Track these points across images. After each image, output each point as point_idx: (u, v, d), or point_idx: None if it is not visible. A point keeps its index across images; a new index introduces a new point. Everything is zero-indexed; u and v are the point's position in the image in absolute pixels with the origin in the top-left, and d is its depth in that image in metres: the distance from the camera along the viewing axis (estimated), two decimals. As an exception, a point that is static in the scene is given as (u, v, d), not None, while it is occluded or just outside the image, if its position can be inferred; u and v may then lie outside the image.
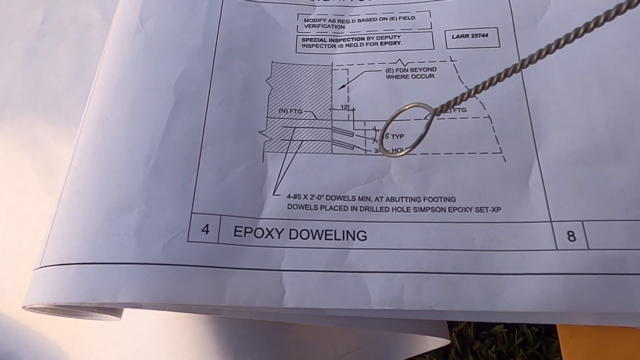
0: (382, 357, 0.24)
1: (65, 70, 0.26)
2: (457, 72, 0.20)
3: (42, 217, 0.23)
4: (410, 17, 0.22)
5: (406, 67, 0.21)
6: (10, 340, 0.23)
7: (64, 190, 0.18)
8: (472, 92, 0.16)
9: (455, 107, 0.17)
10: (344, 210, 0.18)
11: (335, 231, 0.17)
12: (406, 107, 0.19)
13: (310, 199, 0.18)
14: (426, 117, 0.18)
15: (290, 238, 0.17)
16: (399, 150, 0.18)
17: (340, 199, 0.18)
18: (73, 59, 0.26)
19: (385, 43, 0.21)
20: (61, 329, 0.23)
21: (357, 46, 0.21)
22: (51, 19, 0.28)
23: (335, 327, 0.23)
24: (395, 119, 0.19)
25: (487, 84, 0.16)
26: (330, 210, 0.18)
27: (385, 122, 0.19)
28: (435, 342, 0.23)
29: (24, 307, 0.16)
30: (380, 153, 0.19)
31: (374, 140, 0.19)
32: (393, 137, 0.19)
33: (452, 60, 0.20)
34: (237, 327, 0.21)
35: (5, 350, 0.23)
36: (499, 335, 0.43)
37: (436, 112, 0.17)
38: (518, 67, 0.15)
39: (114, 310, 0.18)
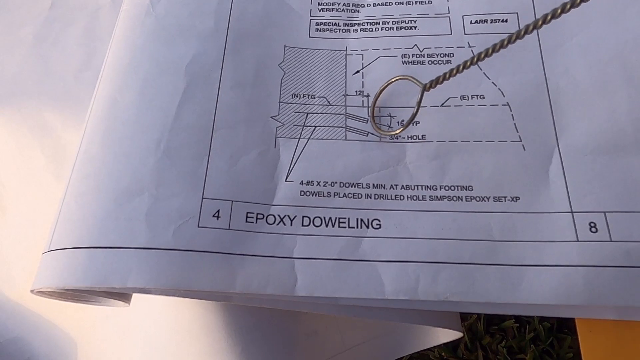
0: (392, 349, 0.23)
1: (74, 56, 0.26)
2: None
3: (50, 203, 0.23)
4: (427, 2, 0.21)
5: (422, 53, 0.20)
6: (19, 324, 0.23)
7: (73, 173, 0.18)
8: (468, 63, 0.15)
9: (449, 80, 0.16)
10: (358, 197, 0.17)
11: (348, 219, 0.17)
12: (393, 80, 0.18)
13: (324, 185, 0.18)
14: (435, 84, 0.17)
15: (302, 225, 0.17)
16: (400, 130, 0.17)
17: (354, 187, 0.18)
18: (82, 45, 0.26)
19: (401, 28, 0.21)
20: (69, 314, 0.23)
21: (372, 31, 0.21)
22: (60, 4, 0.28)
23: (344, 318, 0.23)
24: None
25: (482, 55, 0.15)
26: (344, 197, 0.17)
27: (394, 109, 0.18)
28: (447, 335, 0.23)
29: (32, 291, 0.16)
30: (392, 139, 0.18)
31: (389, 126, 0.19)
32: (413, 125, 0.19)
33: (470, 46, 0.20)
34: (246, 317, 0.20)
35: (13, 335, 0.23)
36: (510, 330, 0.42)
37: (426, 88, 0.16)
38: (522, 33, 0.14)
39: (123, 296, 0.17)
